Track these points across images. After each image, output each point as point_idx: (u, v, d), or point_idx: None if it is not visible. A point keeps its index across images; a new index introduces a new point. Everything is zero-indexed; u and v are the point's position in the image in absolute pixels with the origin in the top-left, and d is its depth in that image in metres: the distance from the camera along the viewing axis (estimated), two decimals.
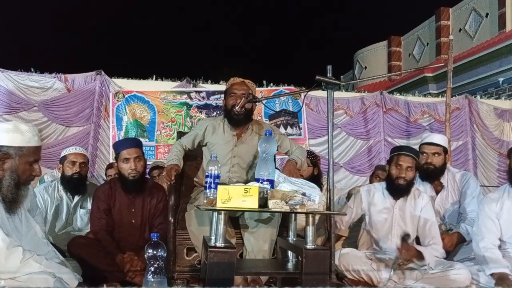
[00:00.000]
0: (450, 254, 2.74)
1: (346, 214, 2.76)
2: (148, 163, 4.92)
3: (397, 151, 2.77)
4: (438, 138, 3.14)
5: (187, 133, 2.98)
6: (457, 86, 9.45)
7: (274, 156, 2.33)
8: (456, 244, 2.80)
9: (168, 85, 5.45)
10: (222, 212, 1.88)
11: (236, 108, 2.59)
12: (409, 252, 2.41)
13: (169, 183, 2.55)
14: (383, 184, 2.82)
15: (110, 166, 4.21)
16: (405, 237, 2.49)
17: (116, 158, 2.84)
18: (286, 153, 2.81)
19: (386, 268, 2.50)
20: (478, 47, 10.44)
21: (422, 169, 3.03)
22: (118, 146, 2.84)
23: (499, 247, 2.47)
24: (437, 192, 3.09)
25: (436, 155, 3.02)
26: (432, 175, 3.05)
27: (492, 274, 2.33)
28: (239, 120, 2.68)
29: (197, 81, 5.51)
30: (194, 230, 2.46)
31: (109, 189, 2.84)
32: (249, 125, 2.76)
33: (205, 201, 2.12)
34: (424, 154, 3.04)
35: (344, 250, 2.65)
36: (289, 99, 5.49)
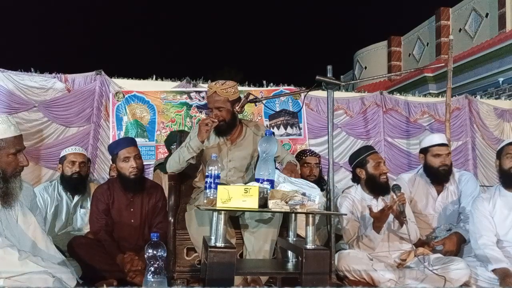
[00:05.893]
0: (457, 256, 2.71)
1: (346, 214, 2.76)
2: (149, 163, 4.98)
3: (366, 151, 2.81)
4: (445, 138, 3.16)
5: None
6: (457, 86, 9.45)
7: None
8: (458, 244, 2.79)
9: (168, 85, 5.44)
10: (222, 212, 1.88)
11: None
12: (401, 198, 2.52)
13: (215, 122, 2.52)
14: (359, 187, 2.84)
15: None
16: (394, 187, 2.61)
17: (114, 159, 2.83)
18: (275, 158, 2.78)
19: (388, 268, 2.51)
20: (478, 47, 10.44)
21: (437, 171, 3.02)
22: (116, 147, 2.83)
23: (496, 244, 2.48)
24: (438, 192, 3.09)
25: (449, 155, 3.04)
26: (446, 176, 3.05)
27: (493, 271, 2.34)
28: (222, 131, 2.62)
29: (197, 81, 5.50)
30: (194, 230, 2.46)
31: (108, 190, 2.83)
32: (240, 127, 2.71)
33: (205, 201, 2.12)
34: (438, 156, 3.02)
35: (344, 252, 2.64)
36: (289, 99, 5.48)
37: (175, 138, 3.72)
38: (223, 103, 2.55)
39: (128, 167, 2.75)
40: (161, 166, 3.89)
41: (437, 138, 3.14)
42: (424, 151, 3.10)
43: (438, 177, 3.05)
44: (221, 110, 2.56)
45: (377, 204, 2.73)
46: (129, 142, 2.87)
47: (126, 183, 2.79)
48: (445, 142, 3.08)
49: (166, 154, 4.12)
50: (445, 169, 3.02)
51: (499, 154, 2.60)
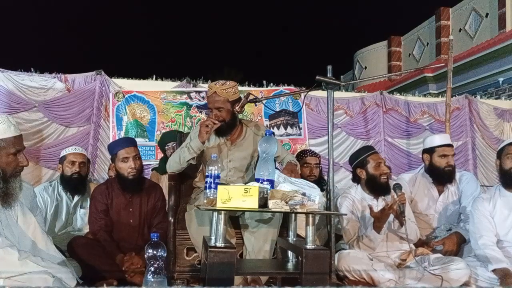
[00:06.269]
0: (457, 255, 2.70)
1: (346, 214, 2.77)
2: (149, 163, 4.98)
3: (366, 151, 2.82)
4: (450, 138, 3.15)
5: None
6: (457, 86, 9.45)
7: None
8: (458, 244, 2.79)
9: (168, 85, 5.44)
10: (222, 212, 1.88)
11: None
12: (401, 198, 2.52)
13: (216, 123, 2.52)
14: (359, 187, 2.84)
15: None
16: (395, 186, 2.62)
17: (113, 159, 2.83)
18: (276, 158, 2.77)
19: (388, 268, 2.51)
20: (478, 47, 10.44)
21: (442, 171, 3.02)
22: (115, 147, 2.82)
23: (496, 244, 2.48)
24: (439, 193, 3.09)
25: (453, 155, 3.04)
26: (450, 176, 3.04)
27: (494, 271, 2.34)
28: (222, 131, 2.61)
29: (197, 81, 5.50)
30: (194, 230, 2.46)
31: (106, 190, 2.83)
32: (240, 127, 2.71)
33: (205, 201, 2.12)
34: (445, 157, 3.01)
35: (344, 252, 2.64)
36: (289, 99, 5.48)
37: (168, 139, 3.73)
38: (223, 104, 2.55)
39: (126, 168, 2.74)
40: (157, 167, 3.90)
41: (444, 138, 3.13)
42: (430, 151, 3.07)
43: (443, 177, 3.04)
44: (221, 110, 2.56)
45: (378, 204, 2.73)
46: (128, 142, 2.86)
47: (124, 183, 2.79)
48: (451, 142, 3.09)
49: (162, 156, 4.11)
50: (450, 170, 3.02)
51: (500, 154, 2.59)
